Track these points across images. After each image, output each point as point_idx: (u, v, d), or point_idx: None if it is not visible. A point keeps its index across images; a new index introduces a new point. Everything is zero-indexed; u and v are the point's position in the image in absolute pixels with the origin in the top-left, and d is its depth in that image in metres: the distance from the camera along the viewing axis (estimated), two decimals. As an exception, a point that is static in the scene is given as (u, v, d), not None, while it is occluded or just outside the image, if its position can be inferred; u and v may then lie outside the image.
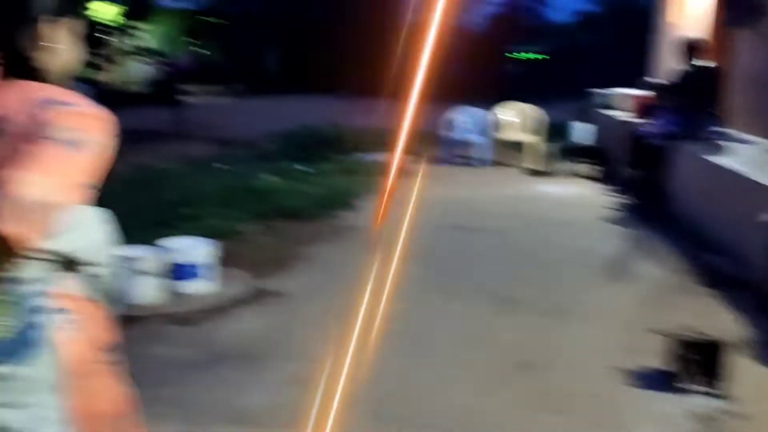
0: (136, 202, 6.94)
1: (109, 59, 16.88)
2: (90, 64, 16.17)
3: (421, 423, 3.08)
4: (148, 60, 16.10)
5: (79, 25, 1.56)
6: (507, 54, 23.61)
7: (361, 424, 3.00)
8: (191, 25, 21.23)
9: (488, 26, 23.78)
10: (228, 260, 5.00)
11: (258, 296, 4.51)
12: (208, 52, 21.08)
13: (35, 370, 1.27)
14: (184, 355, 3.68)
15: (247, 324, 4.10)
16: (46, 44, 1.48)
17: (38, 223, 1.19)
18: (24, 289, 1.24)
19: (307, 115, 12.50)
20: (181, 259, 4.42)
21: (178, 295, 4.39)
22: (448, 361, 3.69)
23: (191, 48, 20.80)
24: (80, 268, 1.47)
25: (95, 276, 1.49)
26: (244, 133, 12.35)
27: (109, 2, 16.74)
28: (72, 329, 1.41)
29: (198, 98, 16.12)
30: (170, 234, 4.90)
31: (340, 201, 7.02)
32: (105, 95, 18.26)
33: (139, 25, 17.26)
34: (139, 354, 3.69)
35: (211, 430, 2.95)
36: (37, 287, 1.28)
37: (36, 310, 1.28)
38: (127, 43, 17.24)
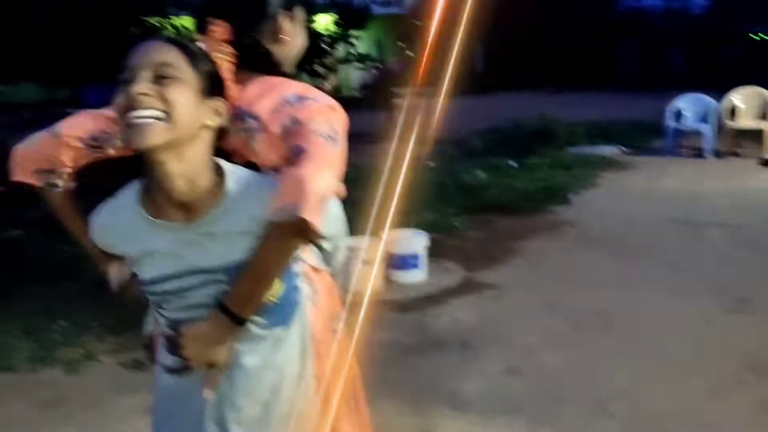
0: (357, 196, 7.40)
1: (329, 67, 18.01)
2: (313, 73, 17.43)
3: (647, 423, 2.95)
4: (362, 66, 16.94)
5: (304, 17, 1.62)
6: (736, 35, 21.51)
7: (585, 418, 2.96)
8: (401, 28, 21.99)
9: (714, 5, 21.82)
10: (441, 252, 5.16)
11: (471, 287, 4.59)
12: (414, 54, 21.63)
13: (289, 332, 1.41)
14: (406, 340, 3.86)
15: (462, 313, 4.19)
16: (283, 37, 1.56)
17: (324, 213, 1.33)
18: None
19: (514, 111, 12.41)
20: (399, 249, 4.64)
21: (395, 284, 4.61)
22: (677, 361, 3.49)
23: (402, 51, 21.55)
24: (325, 247, 1.59)
25: (333, 254, 1.61)
26: (453, 130, 12.57)
27: (325, 13, 17.88)
28: (315, 298, 1.55)
29: (409, 100, 16.65)
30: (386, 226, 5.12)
31: (554, 195, 6.90)
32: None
33: (354, 32, 18.18)
34: (365, 336, 3.95)
35: (432, 412, 3.07)
36: (297, 261, 1.43)
37: (295, 281, 1.42)
38: (343, 50, 18.26)
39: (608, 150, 9.59)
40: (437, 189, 7.26)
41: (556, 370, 3.39)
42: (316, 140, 1.36)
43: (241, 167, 1.35)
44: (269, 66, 1.53)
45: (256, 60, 1.50)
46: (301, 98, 1.45)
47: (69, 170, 1.58)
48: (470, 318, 4.12)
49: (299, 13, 1.60)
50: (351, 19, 18.71)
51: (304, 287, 1.45)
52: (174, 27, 11.79)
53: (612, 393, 3.14)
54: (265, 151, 1.45)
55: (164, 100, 1.19)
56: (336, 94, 19.92)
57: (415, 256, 4.66)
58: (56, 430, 3.04)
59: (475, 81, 20.47)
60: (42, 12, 9.78)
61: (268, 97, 1.46)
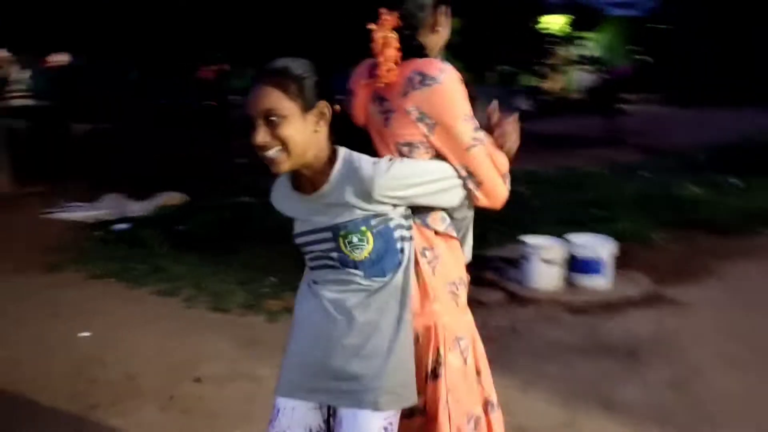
0: (555, 199, 7.42)
1: (554, 68, 17.83)
2: (535, 73, 17.40)
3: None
4: (589, 68, 16.54)
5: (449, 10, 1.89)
6: None
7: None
8: (635, 32, 21.03)
9: None
10: (631, 262, 5.08)
11: (653, 300, 4.50)
12: (651, 60, 20.62)
13: (389, 282, 1.66)
14: (572, 341, 3.93)
15: (636, 324, 4.15)
16: (438, 28, 1.83)
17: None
18: (391, 224, 1.67)
19: (746, 126, 11.43)
20: (583, 253, 4.67)
21: (575, 287, 4.66)
22: None
23: (633, 55, 20.62)
24: (456, 216, 1.83)
25: (462, 224, 1.86)
26: (675, 142, 11.92)
27: (559, 14, 17.68)
28: (434, 261, 1.76)
29: (634, 106, 15.96)
30: (578, 230, 5.19)
31: (771, 218, 6.38)
32: (543, 103, 19.26)
33: (585, 34, 17.78)
34: (532, 331, 4.09)
35: (582, 408, 3.15)
36: (405, 224, 1.71)
37: (396, 244, 1.67)
38: (572, 52, 17.95)
39: None
40: (642, 199, 7.05)
41: (721, 391, 3.28)
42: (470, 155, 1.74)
43: (355, 153, 1.66)
44: (418, 54, 1.77)
45: (409, 48, 1.75)
46: (422, 77, 1.70)
47: None
48: (644, 330, 4.06)
49: (449, 8, 1.87)
50: (584, 20, 18.34)
51: (408, 249, 1.69)
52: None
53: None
54: (398, 129, 1.74)
55: (279, 139, 1.57)
56: (560, 95, 19.69)
57: (598, 262, 4.66)
58: (252, 366, 3.58)
59: (711, 91, 19.03)
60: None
61: (397, 80, 1.72)
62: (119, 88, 15.54)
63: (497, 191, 1.81)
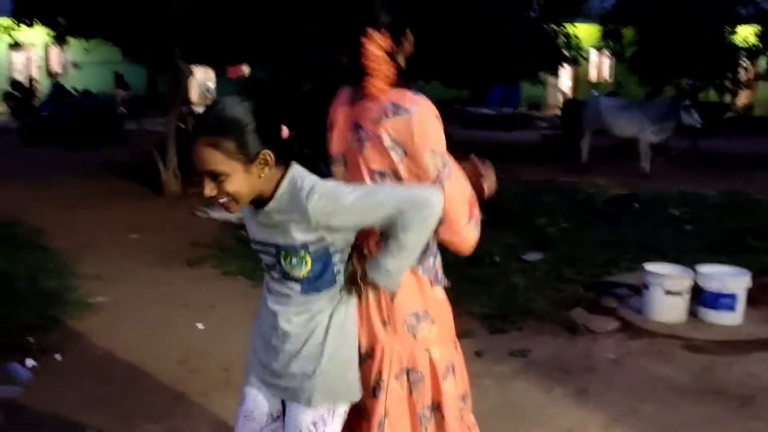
0: (711, 224, 6.86)
1: (740, 83, 16.39)
2: (718, 87, 16.06)
3: None
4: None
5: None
6: None
7: None
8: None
9: None
10: (769, 301, 4.58)
11: (789, 345, 4.02)
12: None
13: (322, 298, 1.76)
14: (680, 380, 3.62)
15: (759, 369, 3.73)
16: (407, 50, 1.86)
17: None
18: (330, 249, 1.73)
19: None
20: (711, 286, 4.28)
21: (699, 321, 4.28)
22: None
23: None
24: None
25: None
26: None
27: (747, 24, 16.21)
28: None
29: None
30: (727, 260, 4.76)
31: None
32: (725, 120, 17.66)
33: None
34: (637, 366, 3.81)
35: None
36: (345, 250, 1.76)
37: (336, 264, 1.75)
38: (761, 65, 16.41)
39: None
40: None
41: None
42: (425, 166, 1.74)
43: (306, 173, 1.70)
44: (400, 74, 1.82)
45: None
46: (396, 108, 1.75)
47: None
48: (766, 374, 3.64)
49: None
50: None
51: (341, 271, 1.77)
52: (566, 36, 12.13)
53: None
54: (370, 157, 1.80)
55: (225, 192, 1.63)
56: (744, 113, 18.09)
57: (728, 296, 4.24)
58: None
59: None
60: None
61: (373, 109, 1.78)
62: (293, 97, 16.56)
63: (461, 230, 1.80)
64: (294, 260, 1.70)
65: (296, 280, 1.73)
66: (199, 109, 15.36)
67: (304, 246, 1.69)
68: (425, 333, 1.83)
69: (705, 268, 4.44)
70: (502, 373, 3.67)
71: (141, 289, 5.05)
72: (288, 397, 1.82)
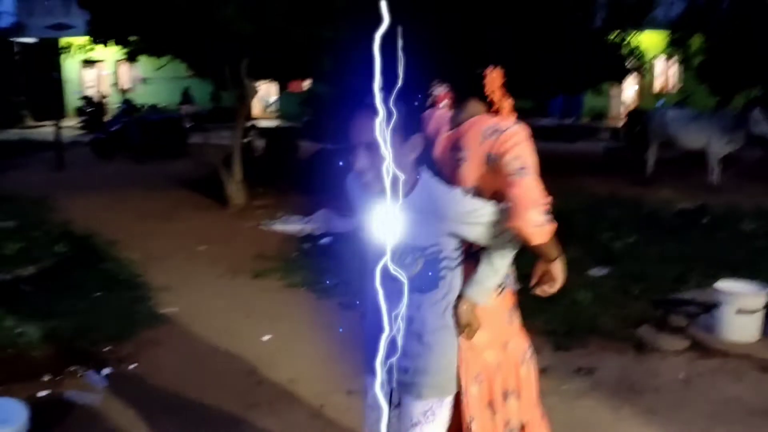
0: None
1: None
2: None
3: None
4: None
5: None
6: None
7: None
8: None
9: None
10: None
11: None
12: None
13: (429, 298, 1.96)
14: (755, 402, 3.50)
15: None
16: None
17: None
18: (440, 255, 1.92)
19: None
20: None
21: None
22: None
23: None
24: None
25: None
26: None
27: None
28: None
29: None
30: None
31: None
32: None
33: None
34: (708, 386, 3.71)
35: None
36: (453, 256, 1.95)
37: (442, 269, 1.94)
38: None
39: None
40: None
41: None
42: (512, 180, 1.86)
43: (435, 178, 1.91)
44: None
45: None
46: (495, 131, 1.93)
47: None
48: None
49: None
50: None
51: (450, 276, 1.97)
52: (630, 46, 11.90)
53: None
54: (467, 176, 1.98)
55: (377, 167, 1.75)
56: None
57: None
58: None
59: None
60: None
61: (473, 130, 1.98)
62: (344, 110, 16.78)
63: (528, 214, 1.86)
64: (408, 260, 1.87)
65: (405, 278, 1.80)
66: (262, 124, 15.69)
67: (423, 248, 1.87)
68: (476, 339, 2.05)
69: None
70: (568, 392, 3.62)
71: (208, 300, 5.19)
72: (401, 390, 2.03)
